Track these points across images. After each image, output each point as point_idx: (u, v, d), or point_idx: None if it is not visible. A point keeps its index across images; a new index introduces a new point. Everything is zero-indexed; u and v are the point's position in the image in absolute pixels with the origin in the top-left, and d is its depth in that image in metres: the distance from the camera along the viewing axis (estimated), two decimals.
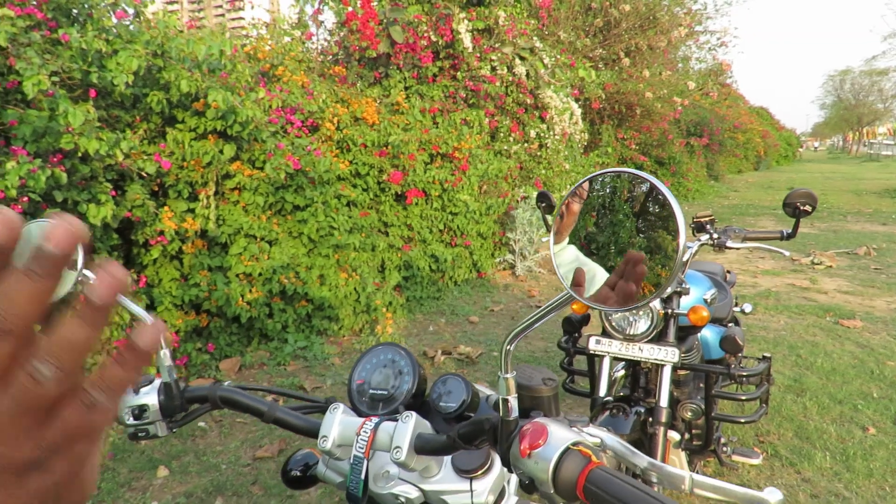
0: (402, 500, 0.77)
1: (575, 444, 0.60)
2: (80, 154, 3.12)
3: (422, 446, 0.71)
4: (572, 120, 8.43)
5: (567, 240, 0.63)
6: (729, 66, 13.89)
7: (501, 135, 7.36)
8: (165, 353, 0.84)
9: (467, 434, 0.68)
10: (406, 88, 6.65)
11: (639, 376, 2.16)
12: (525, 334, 0.66)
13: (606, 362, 2.07)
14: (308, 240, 4.61)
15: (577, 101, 9.18)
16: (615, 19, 11.50)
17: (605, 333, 2.06)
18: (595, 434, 0.66)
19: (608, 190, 0.62)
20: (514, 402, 0.66)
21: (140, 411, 0.80)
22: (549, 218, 2.30)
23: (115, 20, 3.40)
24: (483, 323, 5.21)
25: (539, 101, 7.73)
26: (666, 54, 12.94)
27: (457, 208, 6.03)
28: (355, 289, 4.73)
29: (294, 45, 5.72)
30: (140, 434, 0.83)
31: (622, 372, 2.26)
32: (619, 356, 2.02)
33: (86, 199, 3.20)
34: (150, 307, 3.91)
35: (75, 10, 3.50)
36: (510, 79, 7.37)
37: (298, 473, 0.92)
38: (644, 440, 1.98)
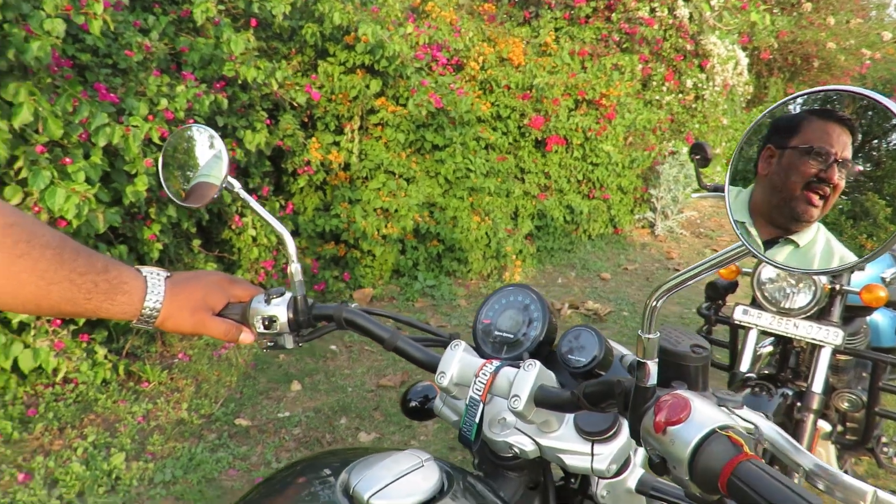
0: (517, 450, 0.72)
1: (724, 427, 0.50)
2: (240, 82, 3.30)
3: (542, 399, 0.65)
4: (736, 70, 7.65)
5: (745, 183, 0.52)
6: None
7: (654, 83, 6.86)
8: (297, 269, 0.84)
9: (594, 394, 0.60)
10: (556, 30, 6.35)
11: (789, 355, 1.94)
12: (678, 291, 0.56)
13: (753, 335, 1.87)
14: (444, 180, 4.62)
15: (744, 49, 8.29)
16: None
17: (754, 303, 1.86)
18: (750, 419, 0.56)
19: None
20: (653, 367, 0.57)
21: (270, 322, 0.81)
22: (702, 172, 2.09)
23: None
24: (615, 280, 5.01)
25: (700, 48, 7.07)
26: None
27: (598, 159, 5.75)
28: (487, 233, 4.70)
29: None
30: (268, 344, 0.84)
31: (769, 348, 2.05)
32: (769, 330, 1.82)
33: (243, 126, 3.40)
34: (295, 233, 4.15)
35: None
36: (670, 22, 6.78)
37: (417, 404, 0.91)
38: (788, 426, 1.79)
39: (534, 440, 0.72)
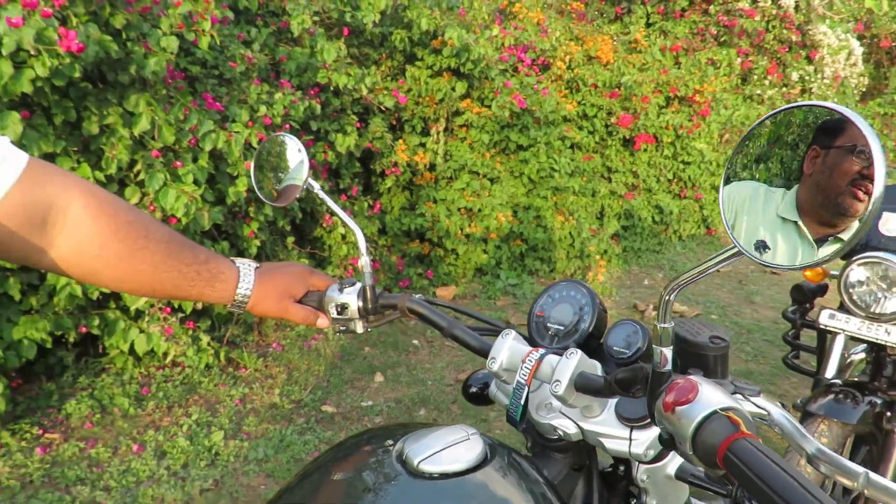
0: (560, 433, 0.78)
1: (725, 409, 0.55)
2: (332, 88, 3.48)
3: (582, 385, 0.70)
4: (849, 61, 7.15)
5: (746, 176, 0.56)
6: None
7: (755, 77, 6.54)
8: (366, 261, 0.93)
9: (623, 380, 0.65)
10: (648, 25, 6.20)
11: (884, 363, 1.84)
12: (688, 286, 0.60)
13: (840, 341, 1.79)
14: (528, 180, 4.65)
15: (860, 38, 7.72)
16: None
17: (842, 308, 1.78)
18: (762, 406, 0.59)
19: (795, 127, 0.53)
20: (668, 353, 0.62)
21: (342, 308, 0.91)
22: None
23: None
24: (705, 283, 4.84)
25: (808, 39, 6.67)
26: None
27: (690, 157, 5.56)
28: (570, 233, 4.68)
29: None
30: (341, 328, 0.93)
31: (861, 355, 1.94)
32: (859, 336, 1.73)
33: (335, 130, 3.59)
34: (382, 231, 4.32)
35: None
36: (773, 12, 6.44)
37: (476, 390, 0.97)
38: (877, 436, 1.70)
39: (577, 424, 0.77)
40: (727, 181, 0.55)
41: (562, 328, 0.87)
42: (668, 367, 0.61)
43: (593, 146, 5.26)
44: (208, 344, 3.00)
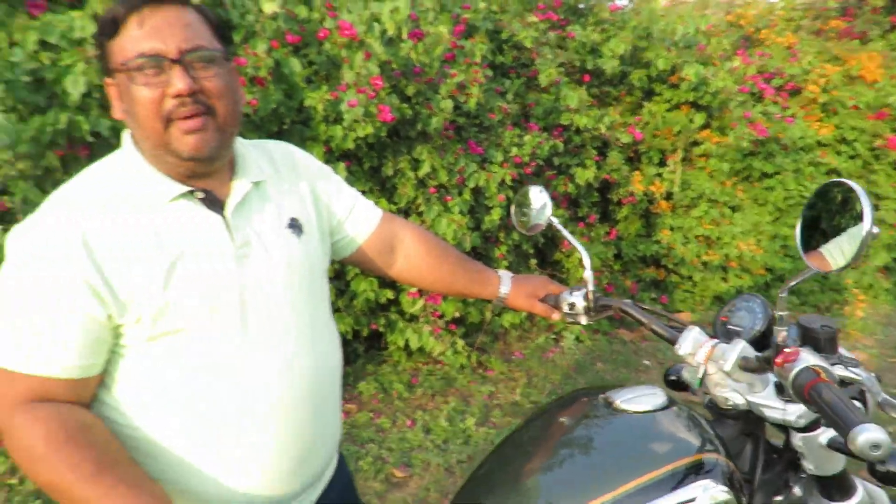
0: (731, 403, 1.06)
1: (813, 365, 0.81)
2: (574, 128, 3.90)
3: (744, 365, 0.99)
4: None
5: None
6: None
7: None
8: (590, 273, 1.30)
9: (766, 357, 0.93)
10: None
11: None
12: (793, 287, 0.91)
13: None
14: (774, 208, 4.52)
15: None
16: None
17: None
18: (858, 373, 0.83)
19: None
20: (784, 333, 0.89)
21: (571, 306, 1.29)
22: None
23: (610, 11, 4.03)
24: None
25: None
26: None
27: None
28: None
29: (787, 1, 5.45)
30: (569, 321, 1.32)
31: None
32: None
33: (575, 164, 4.00)
34: (617, 256, 4.58)
35: (581, 5, 4.28)
36: None
37: (674, 378, 1.28)
38: None
39: (744, 396, 1.05)
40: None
41: (739, 329, 1.15)
42: (783, 342, 0.89)
43: (857, 171, 4.87)
44: (463, 347, 3.59)
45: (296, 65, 2.65)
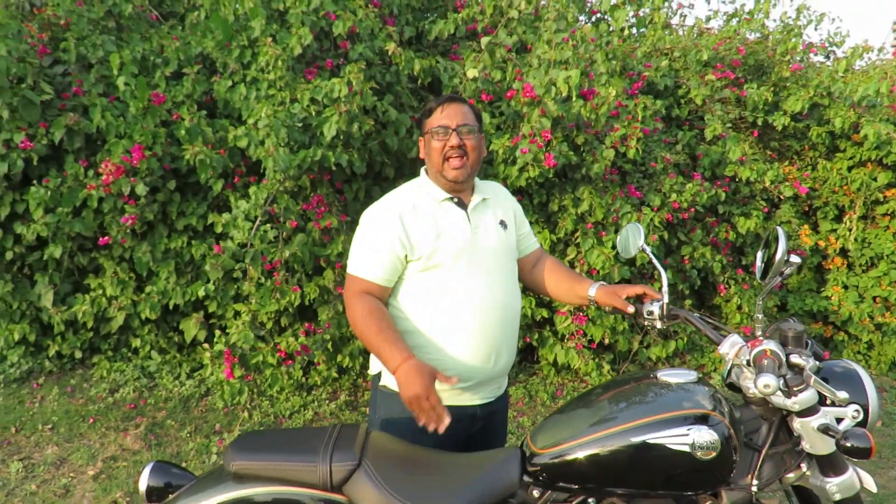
0: (752, 392, 1.43)
1: (767, 350, 1.23)
2: (742, 179, 4.10)
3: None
4: None
5: None
6: None
7: None
8: (665, 290, 1.71)
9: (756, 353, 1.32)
10: None
11: None
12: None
13: None
14: None
15: None
16: None
17: None
18: (806, 361, 1.21)
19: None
20: (760, 330, 1.28)
21: (649, 313, 1.72)
22: None
23: (790, 72, 4.18)
24: None
25: None
26: None
27: None
28: None
29: None
30: (647, 324, 1.74)
31: None
32: None
33: (738, 213, 4.18)
34: (782, 308, 4.58)
35: (753, 63, 4.45)
36: None
37: (730, 381, 1.65)
38: None
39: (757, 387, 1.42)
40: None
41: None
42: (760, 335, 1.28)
43: None
44: (609, 371, 3.95)
45: (486, 117, 3.33)
